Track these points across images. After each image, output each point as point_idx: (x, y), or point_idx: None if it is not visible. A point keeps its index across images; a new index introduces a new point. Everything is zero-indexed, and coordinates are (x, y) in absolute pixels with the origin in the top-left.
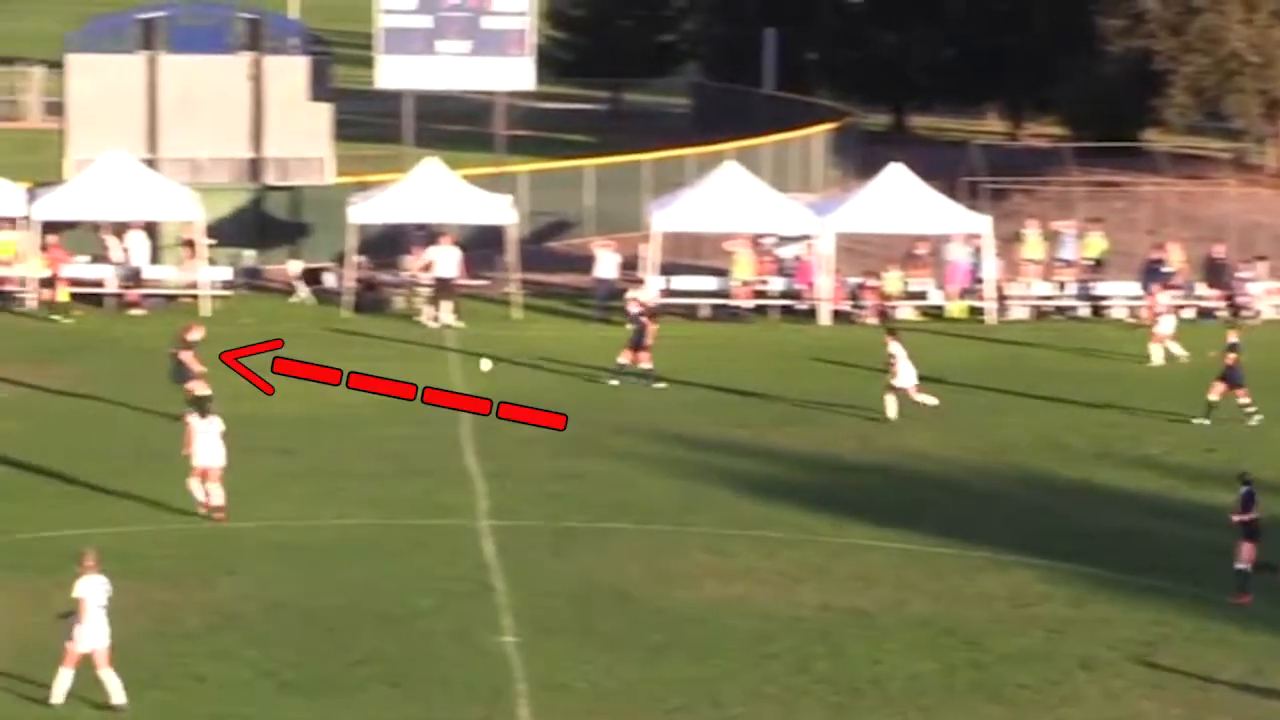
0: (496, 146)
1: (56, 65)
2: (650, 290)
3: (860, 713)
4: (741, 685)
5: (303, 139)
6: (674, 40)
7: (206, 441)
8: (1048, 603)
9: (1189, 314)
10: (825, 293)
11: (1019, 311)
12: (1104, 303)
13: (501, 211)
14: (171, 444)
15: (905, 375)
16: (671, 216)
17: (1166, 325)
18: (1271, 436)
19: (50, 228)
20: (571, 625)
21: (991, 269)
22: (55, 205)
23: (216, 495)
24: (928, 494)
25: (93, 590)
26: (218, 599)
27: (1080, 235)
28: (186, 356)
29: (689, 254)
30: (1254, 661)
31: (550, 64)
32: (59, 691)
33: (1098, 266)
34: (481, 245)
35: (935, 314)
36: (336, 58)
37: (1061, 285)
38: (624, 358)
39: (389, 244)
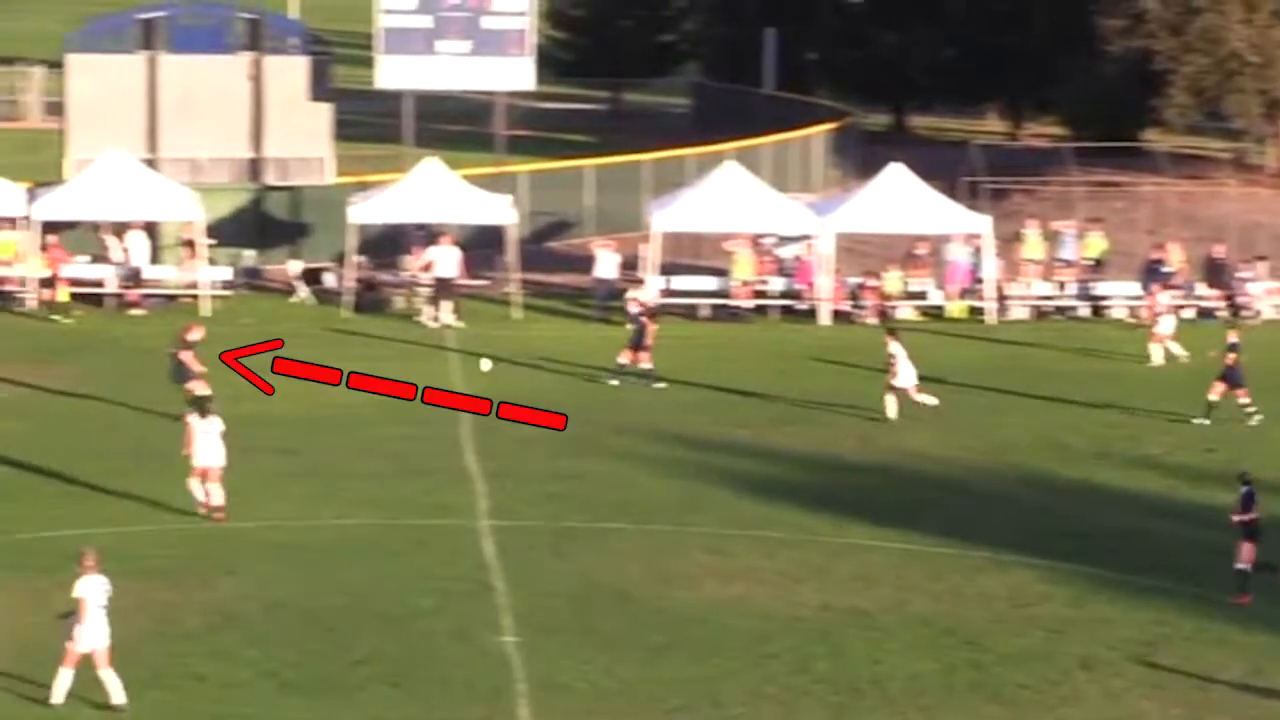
0: (496, 146)
1: (57, 65)
2: (650, 290)
3: (860, 713)
4: (741, 685)
5: (303, 139)
6: (674, 40)
7: (206, 442)
8: (1048, 603)
9: (1189, 314)
10: (825, 293)
11: (1019, 311)
12: (1104, 303)
13: (501, 211)
14: (172, 444)
15: (905, 375)
16: (671, 216)
17: (1166, 325)
18: (1271, 436)
19: (50, 228)
20: (571, 625)
21: (991, 269)
22: (55, 205)
23: (216, 495)
24: (928, 494)
25: (93, 590)
26: (218, 599)
27: (1080, 235)
28: (186, 356)
29: (689, 254)
30: (1254, 661)
31: (550, 64)
32: (59, 691)
33: (1098, 266)
34: (481, 245)
35: (935, 314)
36: (336, 58)
37: (1061, 285)
38: (624, 358)
39: (389, 244)
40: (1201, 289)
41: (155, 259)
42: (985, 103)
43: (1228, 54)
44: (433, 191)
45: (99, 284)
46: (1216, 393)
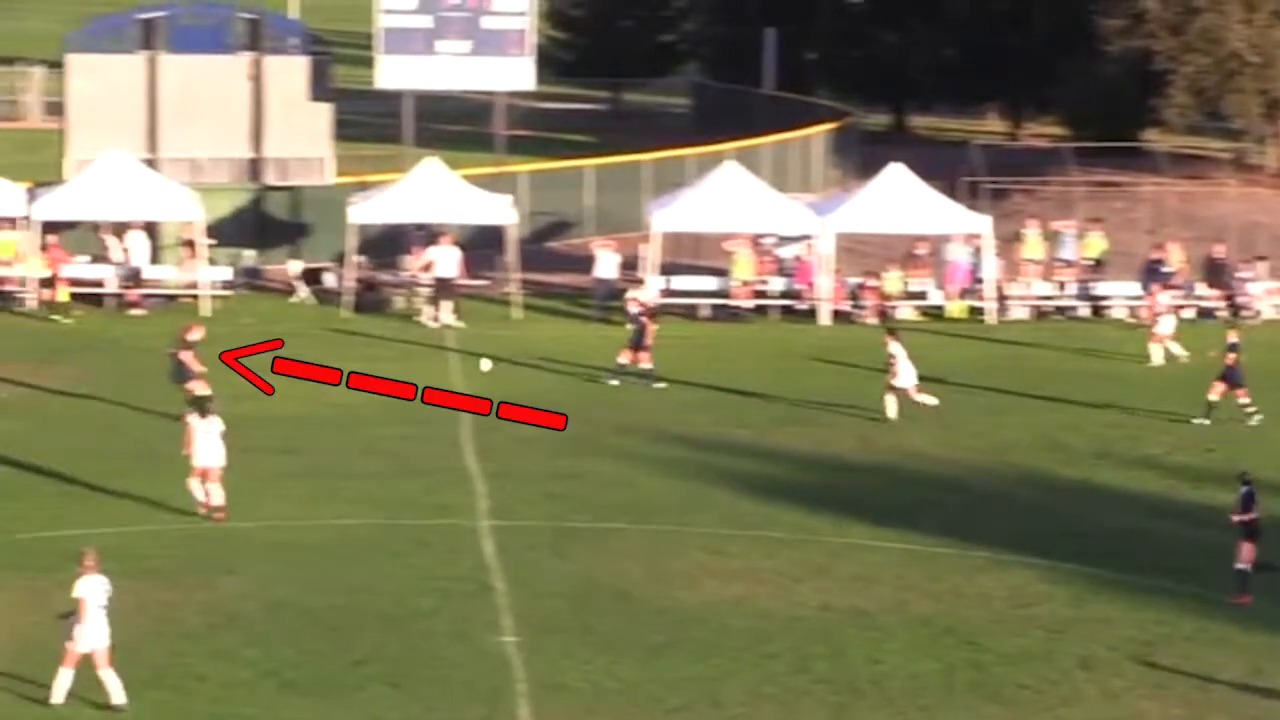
0: (496, 146)
1: (57, 65)
2: (650, 290)
3: (860, 712)
4: (741, 685)
5: (303, 139)
6: (674, 40)
7: (206, 441)
8: (1048, 602)
9: (1189, 314)
10: (825, 293)
11: (1019, 311)
12: (1104, 303)
13: (501, 211)
14: (172, 444)
15: (905, 375)
16: (671, 216)
17: (1166, 325)
18: (1271, 436)
19: (50, 228)
20: (571, 625)
21: (991, 269)
22: (55, 205)
23: (216, 495)
24: (928, 494)
25: (93, 590)
26: (218, 599)
27: (1080, 235)
28: (186, 356)
29: (689, 254)
30: (1254, 661)
31: (550, 64)
32: (59, 691)
33: (1098, 266)
34: (482, 245)
35: (935, 314)
36: (336, 58)
37: (1061, 285)
38: (624, 358)
39: (389, 244)
40: (1201, 289)
41: (155, 259)
42: (985, 103)
43: (1228, 54)
44: (433, 191)
45: (99, 284)
46: (1216, 393)
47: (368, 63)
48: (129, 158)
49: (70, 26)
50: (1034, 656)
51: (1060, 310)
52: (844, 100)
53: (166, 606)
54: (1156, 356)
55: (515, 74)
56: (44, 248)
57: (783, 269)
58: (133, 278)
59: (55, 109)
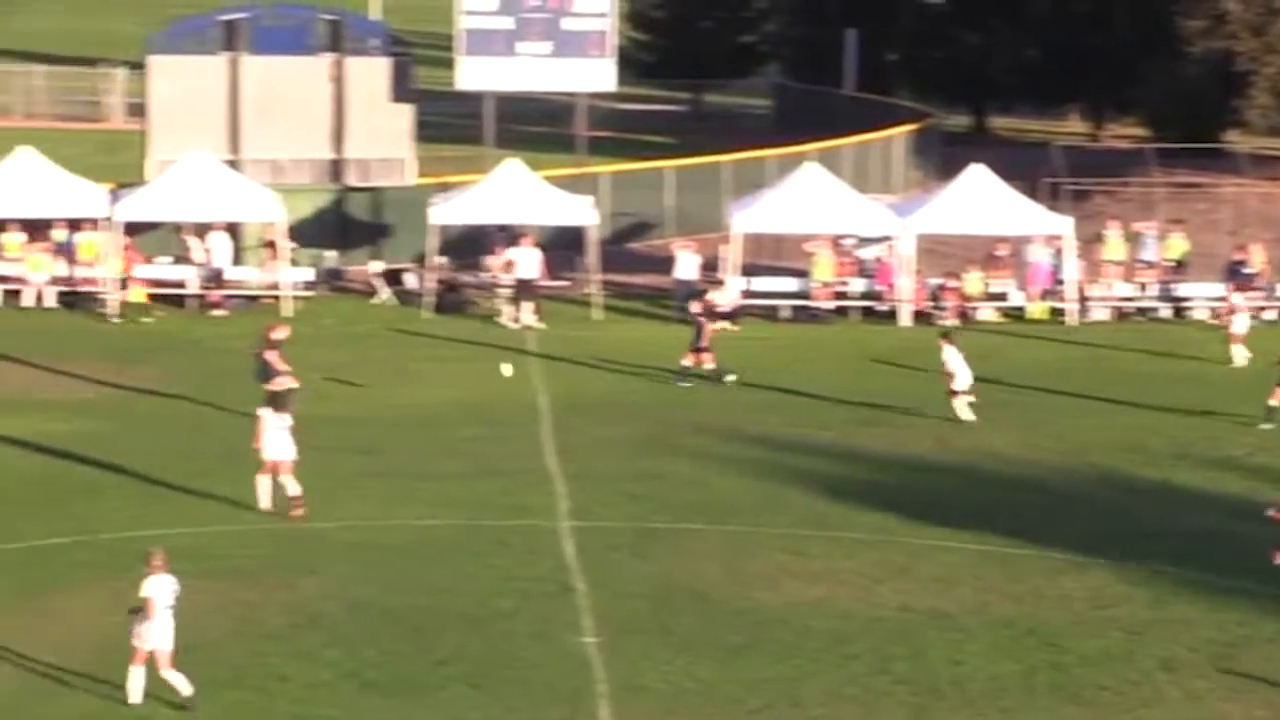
0: (577, 147)
1: (139, 67)
2: (730, 291)
3: (940, 714)
4: (821, 686)
5: (384, 140)
6: (755, 41)
7: (277, 437)
8: (1127, 604)
9: (1270, 315)
10: (906, 294)
11: (1100, 313)
12: (1185, 304)
13: (582, 212)
14: (243, 444)
15: (962, 378)
16: (752, 218)
17: (1240, 325)
18: None
19: (132, 229)
20: (651, 626)
21: (1073, 270)
22: (137, 206)
23: (292, 487)
24: (1007, 495)
25: (160, 590)
26: (300, 599)
27: (1162, 236)
28: (271, 356)
29: (769, 255)
30: None
31: (631, 65)
32: (135, 691)
33: (1179, 268)
34: (562, 246)
35: (1016, 315)
36: (417, 59)
37: (1143, 286)
38: (687, 360)
39: (470, 245)
40: None
41: (237, 260)
42: (1066, 104)
43: None
44: (514, 192)
45: (181, 285)
46: (1277, 398)
47: (448, 64)
48: (211, 159)
49: (152, 28)
50: (1114, 658)
51: (1141, 311)
52: (925, 101)
53: (248, 607)
54: (1238, 358)
55: (596, 75)
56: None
57: (863, 270)
58: (214, 279)
59: (137, 110)
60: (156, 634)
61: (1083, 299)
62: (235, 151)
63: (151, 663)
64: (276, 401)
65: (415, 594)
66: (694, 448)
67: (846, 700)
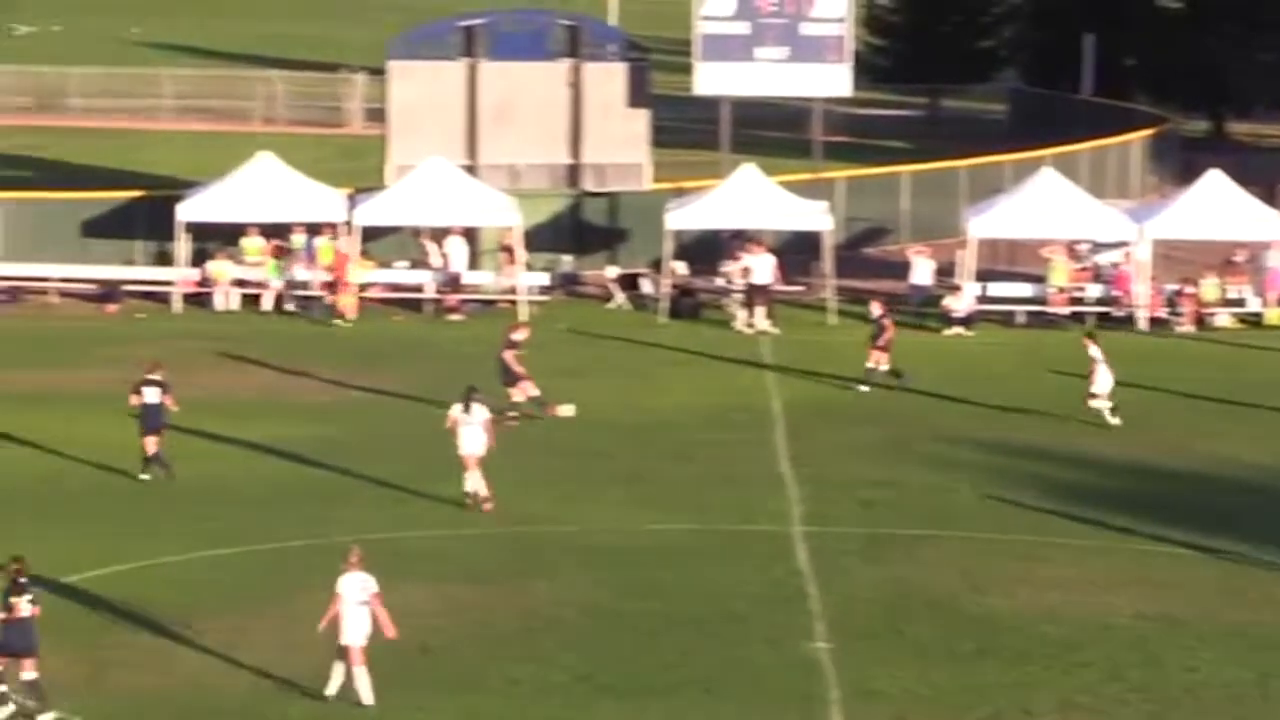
0: (813, 152)
1: (378, 72)
2: (966, 297)
3: None
4: (1054, 693)
5: (621, 145)
6: (992, 46)
7: (469, 432)
8: None
9: None
10: (1142, 300)
11: None
12: None
13: (817, 217)
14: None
15: (1103, 381)
16: (989, 223)
17: None
18: None
19: (369, 234)
20: (884, 631)
21: None
22: (376, 211)
23: (477, 484)
24: (1243, 501)
25: (352, 587)
26: (533, 603)
27: None
28: (509, 356)
29: (1003, 260)
30: None
31: (867, 70)
32: (364, 691)
33: None
34: (797, 251)
35: (1254, 321)
36: (653, 64)
37: None
38: (871, 361)
39: (704, 250)
40: None
41: (473, 264)
42: None
43: None
44: (749, 197)
45: (418, 289)
46: None
47: (682, 69)
48: (449, 164)
49: (392, 33)
50: None
51: None
52: (1162, 106)
53: (482, 610)
54: None
55: (832, 80)
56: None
57: (1099, 275)
58: (451, 283)
59: (376, 115)
60: (349, 631)
61: None
62: (472, 157)
63: (345, 657)
64: (466, 396)
65: (648, 598)
66: (929, 454)
67: (1078, 708)
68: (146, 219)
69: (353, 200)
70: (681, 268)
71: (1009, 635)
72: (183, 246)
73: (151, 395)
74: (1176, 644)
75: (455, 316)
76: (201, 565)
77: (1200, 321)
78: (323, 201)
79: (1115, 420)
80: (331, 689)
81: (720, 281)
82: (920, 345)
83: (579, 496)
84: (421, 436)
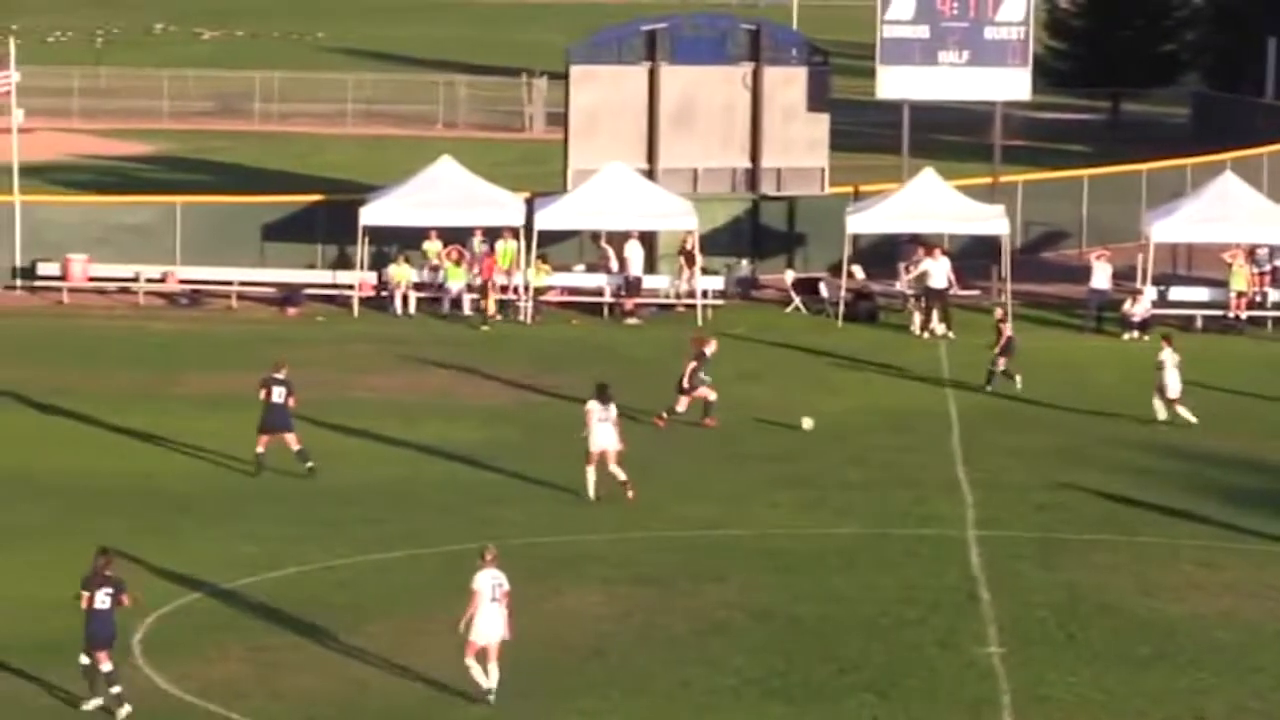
0: (992, 156)
1: (559, 76)
2: (1144, 301)
3: None
4: (1226, 699)
5: (801, 149)
6: (1174, 50)
7: (602, 428)
8: None
9: None
10: None
11: None
12: None
13: (995, 222)
14: (667, 454)
15: (1173, 385)
16: (1170, 227)
17: None
18: None
19: (547, 238)
20: (1057, 636)
21: None
22: (554, 215)
23: (619, 474)
24: None
25: (485, 584)
26: (705, 605)
27: None
28: (693, 367)
29: (1183, 264)
30: None
31: (1047, 74)
32: (479, 678)
33: None
34: (975, 255)
35: None
36: (832, 68)
37: None
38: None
39: (881, 254)
40: None
41: (651, 268)
42: None
43: None
44: (927, 202)
45: (596, 293)
46: None
47: (860, 72)
48: (628, 169)
49: (572, 37)
50: None
51: None
52: None
53: (654, 613)
54: None
55: (1012, 84)
56: (473, 256)
57: (1277, 280)
58: (629, 287)
59: (556, 119)
60: (483, 628)
61: None
62: (651, 161)
63: (483, 656)
64: (600, 391)
65: (821, 602)
66: (1104, 458)
67: (1251, 714)
68: (326, 223)
69: (531, 204)
70: (858, 272)
71: (1182, 640)
72: (363, 250)
73: (278, 394)
74: None
75: (632, 321)
76: (371, 568)
77: None
78: (502, 205)
79: (1193, 419)
80: (489, 684)
81: (898, 286)
82: (1098, 350)
83: (754, 499)
84: None
